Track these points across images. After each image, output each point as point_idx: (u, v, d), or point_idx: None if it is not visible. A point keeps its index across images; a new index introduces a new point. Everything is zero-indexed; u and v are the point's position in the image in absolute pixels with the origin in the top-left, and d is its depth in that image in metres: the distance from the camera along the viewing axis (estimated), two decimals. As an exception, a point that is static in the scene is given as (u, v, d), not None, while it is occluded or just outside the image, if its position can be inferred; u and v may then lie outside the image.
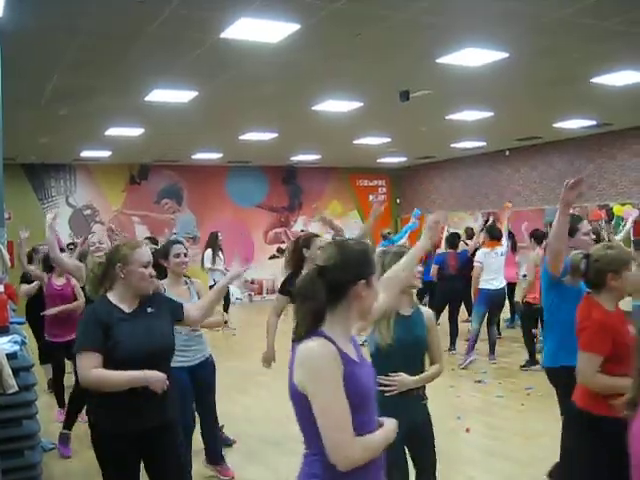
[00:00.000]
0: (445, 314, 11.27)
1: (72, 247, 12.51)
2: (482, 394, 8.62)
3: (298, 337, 2.44)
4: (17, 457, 4.38)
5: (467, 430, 7.06)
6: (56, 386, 7.97)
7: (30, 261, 9.38)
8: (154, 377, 3.55)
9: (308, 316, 2.45)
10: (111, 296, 3.69)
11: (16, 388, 3.76)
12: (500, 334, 11.73)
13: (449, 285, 11.36)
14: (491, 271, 10.40)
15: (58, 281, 7.88)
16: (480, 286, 10.49)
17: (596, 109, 12.64)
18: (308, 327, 2.44)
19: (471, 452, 6.52)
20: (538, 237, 9.69)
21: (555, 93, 10.87)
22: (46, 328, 7.84)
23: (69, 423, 6.90)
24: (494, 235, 10.70)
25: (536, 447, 6.43)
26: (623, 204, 14.67)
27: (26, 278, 9.08)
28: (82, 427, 7.38)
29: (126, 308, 3.68)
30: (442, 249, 11.99)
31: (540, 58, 8.70)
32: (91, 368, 3.42)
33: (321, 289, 2.44)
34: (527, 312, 9.87)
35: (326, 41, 7.75)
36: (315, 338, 2.40)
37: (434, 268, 11.56)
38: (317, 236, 5.86)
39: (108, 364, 3.45)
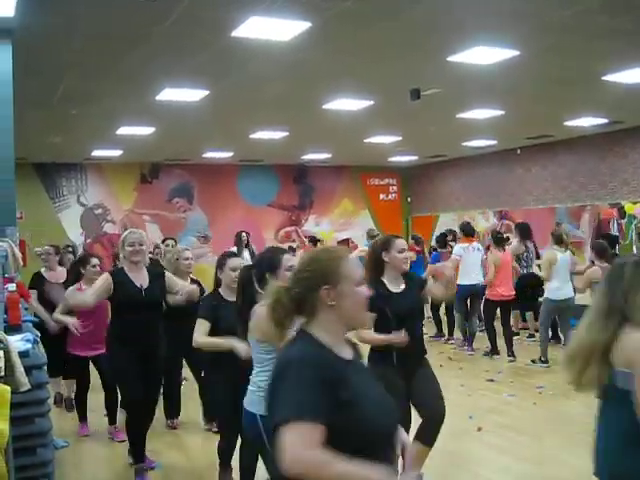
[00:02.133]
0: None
1: (71, 249, 12.46)
2: (493, 393, 8.60)
3: None
4: (30, 455, 4.40)
5: (478, 429, 7.04)
6: (79, 401, 7.50)
7: (61, 262, 9.04)
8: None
9: None
10: (320, 336, 2.45)
11: (28, 386, 3.76)
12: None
13: None
14: (468, 265, 11.00)
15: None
16: (458, 282, 10.80)
17: (607, 107, 12.58)
18: None
19: (482, 451, 6.51)
20: (497, 240, 10.93)
21: (566, 91, 10.82)
22: (70, 342, 7.31)
23: (136, 453, 6.06)
24: (468, 232, 11.58)
25: (548, 446, 6.42)
26: (635, 202, 14.63)
27: (36, 282, 8.37)
28: (92, 419, 7.44)
29: (343, 353, 2.48)
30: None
31: (551, 56, 8.66)
32: (310, 448, 2.15)
33: None
34: (488, 307, 10.91)
35: (337, 39, 7.75)
36: None
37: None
38: (397, 237, 5.34)
39: (339, 444, 2.23)
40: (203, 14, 6.66)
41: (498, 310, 10.72)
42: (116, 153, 16.56)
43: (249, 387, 4.15)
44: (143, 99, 10.38)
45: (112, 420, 7.27)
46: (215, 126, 13.34)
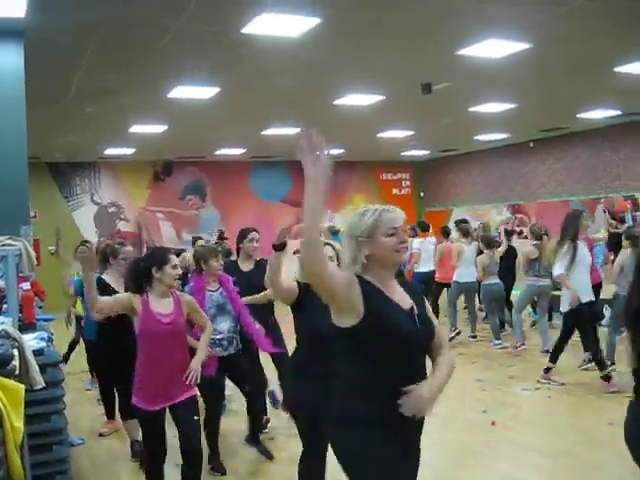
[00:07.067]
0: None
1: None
2: (508, 387, 8.57)
3: None
4: (46, 452, 4.43)
5: (493, 424, 7.01)
6: (152, 474, 4.75)
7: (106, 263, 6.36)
8: None
9: None
10: None
11: (43, 384, 3.79)
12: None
13: None
14: (426, 256, 12.48)
15: (161, 307, 4.57)
16: (416, 269, 12.62)
17: (621, 98, 12.52)
18: None
19: (499, 445, 6.48)
20: (445, 232, 12.32)
21: (578, 83, 10.78)
22: (135, 389, 4.58)
23: None
24: (424, 228, 13.38)
25: (563, 440, 6.40)
26: (649, 194, 14.56)
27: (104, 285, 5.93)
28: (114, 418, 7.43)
29: None
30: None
31: (563, 48, 8.63)
32: None
33: None
34: (438, 289, 12.25)
35: (346, 35, 7.75)
36: None
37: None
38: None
39: None
40: (213, 11, 6.68)
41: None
42: (129, 151, 16.63)
43: None
44: (155, 97, 10.41)
45: None
46: (227, 123, 13.35)
